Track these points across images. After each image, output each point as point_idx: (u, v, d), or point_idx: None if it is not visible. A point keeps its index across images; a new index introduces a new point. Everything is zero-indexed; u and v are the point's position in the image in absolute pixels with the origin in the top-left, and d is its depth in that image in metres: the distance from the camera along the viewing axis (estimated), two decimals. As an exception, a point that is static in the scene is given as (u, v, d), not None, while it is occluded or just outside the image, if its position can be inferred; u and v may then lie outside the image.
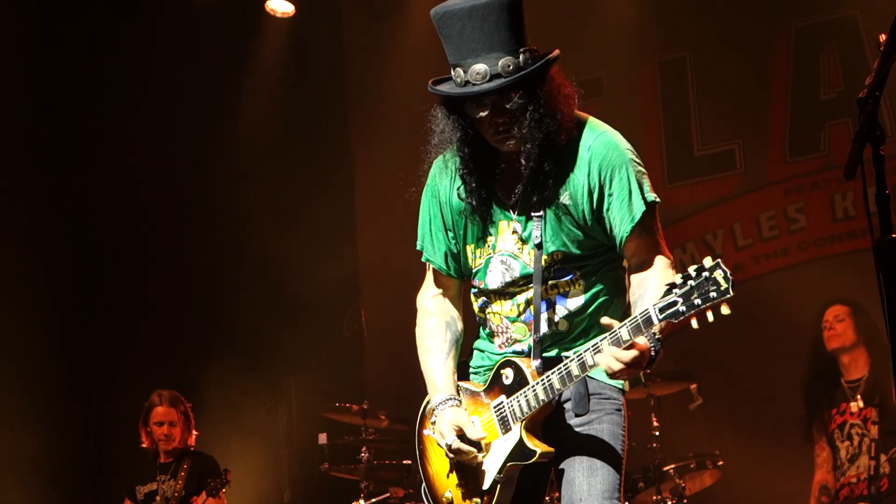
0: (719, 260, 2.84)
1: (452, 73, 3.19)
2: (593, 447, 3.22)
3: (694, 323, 2.87)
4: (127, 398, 7.41)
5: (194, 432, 7.08)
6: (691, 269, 2.86)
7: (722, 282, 2.81)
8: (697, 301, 2.83)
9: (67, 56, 8.51)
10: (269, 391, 8.43)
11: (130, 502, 6.98)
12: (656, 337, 3.01)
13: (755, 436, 6.88)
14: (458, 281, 3.53)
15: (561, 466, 3.25)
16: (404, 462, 6.96)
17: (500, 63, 3.10)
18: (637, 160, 3.24)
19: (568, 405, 3.27)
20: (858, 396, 6.10)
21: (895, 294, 2.58)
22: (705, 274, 2.83)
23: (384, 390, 8.20)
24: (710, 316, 2.85)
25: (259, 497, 8.12)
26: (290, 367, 8.30)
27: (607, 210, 3.20)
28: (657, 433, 6.48)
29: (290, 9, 8.62)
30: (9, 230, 7.98)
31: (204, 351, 8.25)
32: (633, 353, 2.95)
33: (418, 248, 3.52)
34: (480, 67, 3.11)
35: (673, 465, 6.44)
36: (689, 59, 8.12)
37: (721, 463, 6.57)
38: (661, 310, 2.89)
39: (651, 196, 3.20)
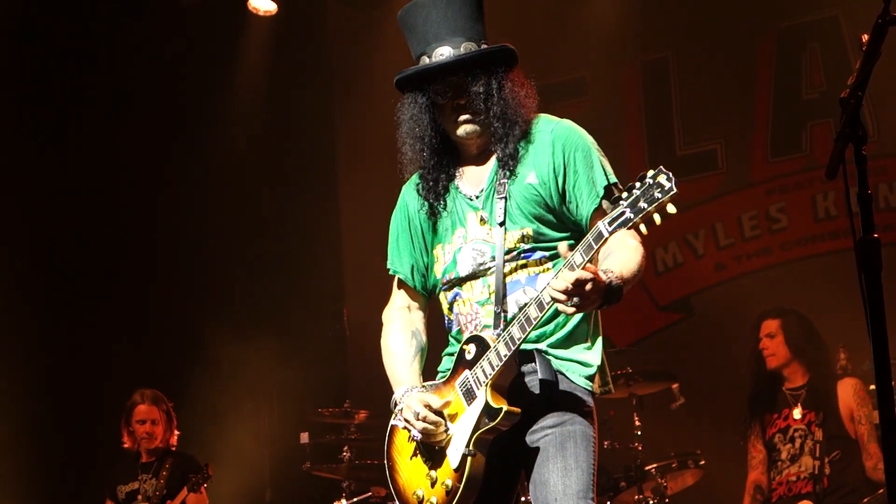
0: (661, 166, 2.87)
1: (419, 63, 3.31)
2: (566, 448, 3.21)
3: (643, 228, 2.88)
4: (109, 397, 7.37)
5: (176, 432, 7.06)
6: (636, 181, 2.88)
7: (665, 182, 2.84)
8: (643, 205, 2.85)
9: (51, 54, 8.44)
10: (252, 391, 8.41)
11: (112, 502, 6.96)
12: (614, 274, 3.01)
13: (737, 435, 6.89)
14: (424, 297, 3.58)
15: (534, 467, 3.24)
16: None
17: (462, 46, 3.26)
18: (597, 146, 3.32)
19: (537, 408, 3.24)
20: (799, 404, 6.14)
21: (877, 294, 2.59)
22: (648, 180, 2.86)
23: (367, 390, 8.17)
24: (657, 218, 2.86)
25: (241, 496, 8.09)
26: (272, 367, 8.28)
27: (573, 187, 3.26)
28: (639, 432, 6.49)
29: (272, 7, 8.63)
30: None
31: (187, 350, 8.22)
32: (584, 273, 2.92)
33: (388, 265, 3.57)
34: (444, 49, 3.26)
35: (655, 465, 6.44)
36: (671, 59, 8.13)
37: (703, 462, 6.58)
38: (610, 222, 2.90)
39: (613, 178, 3.27)
